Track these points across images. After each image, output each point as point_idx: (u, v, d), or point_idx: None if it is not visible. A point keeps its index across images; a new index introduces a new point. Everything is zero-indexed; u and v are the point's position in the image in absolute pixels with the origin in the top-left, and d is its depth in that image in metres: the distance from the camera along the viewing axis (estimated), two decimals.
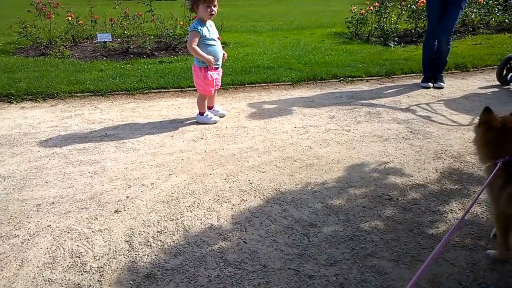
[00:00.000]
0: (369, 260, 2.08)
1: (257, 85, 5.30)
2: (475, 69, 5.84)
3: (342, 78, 5.50)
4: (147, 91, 5.01)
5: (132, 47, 7.29)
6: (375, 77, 5.57)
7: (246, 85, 5.29)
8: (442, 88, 4.99)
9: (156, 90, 5.03)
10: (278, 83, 5.37)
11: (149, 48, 7.04)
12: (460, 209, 2.51)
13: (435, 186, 2.79)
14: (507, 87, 5.08)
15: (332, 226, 2.37)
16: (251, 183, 2.88)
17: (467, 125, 3.86)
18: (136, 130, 3.83)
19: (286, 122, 4.05)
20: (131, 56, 6.86)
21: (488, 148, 1.88)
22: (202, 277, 1.99)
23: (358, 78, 5.55)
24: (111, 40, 7.24)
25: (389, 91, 5.03)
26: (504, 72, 5.09)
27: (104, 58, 6.71)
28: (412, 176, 2.93)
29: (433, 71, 5.09)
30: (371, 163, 3.15)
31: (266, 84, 5.34)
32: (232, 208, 2.57)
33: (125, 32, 7.64)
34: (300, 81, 5.43)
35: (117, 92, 4.92)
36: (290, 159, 3.24)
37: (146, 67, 6.03)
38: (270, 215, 2.49)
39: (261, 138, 3.65)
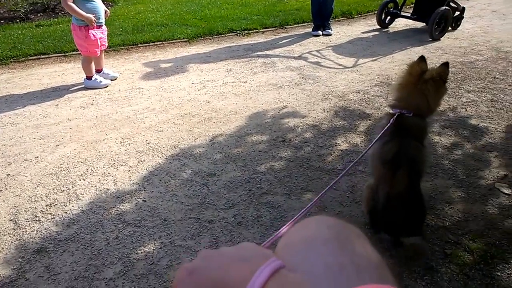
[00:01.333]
0: (265, 197, 2.22)
1: (151, 44, 5.03)
2: (359, 15, 6.26)
3: (238, 32, 5.48)
4: (23, 59, 4.44)
5: (1, 12, 6.30)
6: (270, 29, 5.66)
7: (139, 45, 4.98)
8: (330, 35, 5.28)
9: (34, 57, 4.48)
10: (174, 41, 5.15)
11: (23, 11, 6.15)
12: (343, 142, 2.77)
13: (323, 124, 3.02)
14: (386, 30, 5.56)
15: (231, 173, 2.45)
16: (148, 143, 2.80)
17: (351, 67, 4.19)
18: (12, 103, 3.41)
19: (183, 79, 3.96)
20: (1, 21, 5.94)
21: (400, 92, 1.82)
22: (99, 241, 1.93)
23: (254, 31, 5.58)
24: None
25: (283, 41, 5.17)
26: (383, 16, 5.54)
27: None
28: (303, 118, 3.12)
29: (321, 20, 5.33)
30: (267, 110, 3.27)
31: (160, 42, 5.09)
32: (129, 170, 2.50)
33: None
34: (197, 37, 5.28)
35: None
36: (188, 115, 3.21)
37: (20, 32, 5.29)
38: (169, 171, 2.48)
39: (158, 98, 3.53)
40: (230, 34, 5.43)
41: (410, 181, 1.65)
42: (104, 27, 3.66)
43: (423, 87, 1.77)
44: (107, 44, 3.81)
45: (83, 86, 3.72)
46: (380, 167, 1.71)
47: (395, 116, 1.73)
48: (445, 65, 1.84)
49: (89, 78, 3.68)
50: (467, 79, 3.84)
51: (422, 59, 1.86)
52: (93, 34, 3.48)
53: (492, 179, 2.38)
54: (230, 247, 0.43)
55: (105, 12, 3.66)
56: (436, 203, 2.17)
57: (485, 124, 3.00)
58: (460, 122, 3.06)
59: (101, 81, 3.71)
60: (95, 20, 3.44)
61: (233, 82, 3.85)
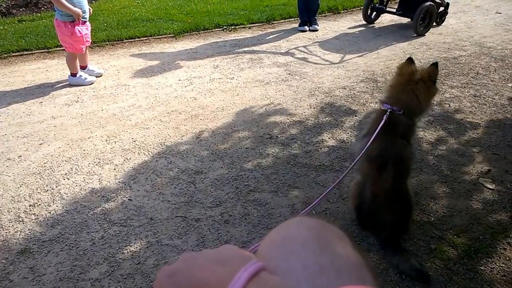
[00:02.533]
0: (252, 195, 2.22)
1: (136, 39, 4.96)
2: (345, 10, 6.28)
3: (225, 27, 5.45)
4: (5, 55, 4.34)
5: None
6: (257, 24, 5.63)
7: (125, 40, 4.91)
8: (316, 30, 5.29)
9: (17, 53, 4.38)
10: (160, 36, 5.09)
11: (4, 5, 6.01)
12: (329, 138, 2.79)
13: (309, 121, 3.03)
14: (371, 25, 5.60)
15: (218, 171, 2.45)
16: (134, 141, 2.77)
17: (337, 63, 4.20)
18: None
19: (170, 75, 3.92)
20: None
21: (390, 91, 1.87)
22: (84, 241, 1.91)
23: (241, 26, 5.55)
24: None
25: (270, 36, 5.15)
26: (369, 11, 5.57)
27: None
28: (290, 114, 3.13)
29: (308, 15, 5.33)
30: (254, 107, 3.26)
31: (146, 38, 5.02)
32: (114, 169, 2.47)
33: None
34: (183, 32, 5.23)
35: None
36: (175, 112, 3.19)
37: (1, 27, 5.16)
38: (155, 170, 2.46)
39: (144, 95, 3.49)
40: (217, 29, 5.39)
41: (396, 180, 1.66)
42: (88, 23, 3.60)
43: (414, 88, 1.79)
44: (90, 40, 3.74)
45: (68, 83, 3.66)
46: (366, 164, 1.72)
47: (387, 113, 1.74)
48: (435, 65, 1.87)
49: (73, 75, 3.61)
50: (450, 75, 3.90)
51: (410, 60, 1.90)
52: (79, 31, 3.41)
53: (476, 174, 2.42)
54: (211, 249, 0.43)
55: (88, 9, 3.59)
56: (421, 199, 2.21)
57: (468, 119, 3.05)
58: (444, 117, 3.10)
59: (86, 78, 3.65)
60: (81, 15, 3.38)
61: (220, 78, 3.83)
